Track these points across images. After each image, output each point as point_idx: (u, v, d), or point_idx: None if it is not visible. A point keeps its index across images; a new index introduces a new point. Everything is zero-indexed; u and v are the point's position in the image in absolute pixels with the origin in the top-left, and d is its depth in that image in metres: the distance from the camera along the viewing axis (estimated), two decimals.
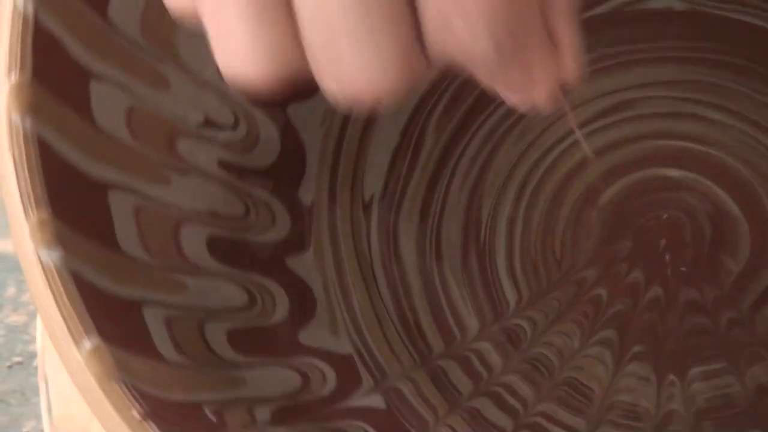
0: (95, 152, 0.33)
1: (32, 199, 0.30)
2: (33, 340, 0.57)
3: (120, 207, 0.34)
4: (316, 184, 0.46)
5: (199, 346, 0.36)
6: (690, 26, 0.48)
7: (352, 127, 0.47)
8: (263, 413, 0.36)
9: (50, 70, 0.32)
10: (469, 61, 0.24)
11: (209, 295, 0.38)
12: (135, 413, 0.29)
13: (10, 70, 0.31)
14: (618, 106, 0.48)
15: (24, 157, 0.30)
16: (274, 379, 0.38)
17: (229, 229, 0.40)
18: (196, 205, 0.39)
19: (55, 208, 0.31)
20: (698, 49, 0.48)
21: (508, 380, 0.45)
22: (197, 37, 0.39)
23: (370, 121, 0.47)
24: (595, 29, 0.48)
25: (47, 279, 0.30)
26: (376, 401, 0.42)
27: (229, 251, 0.40)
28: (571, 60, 0.26)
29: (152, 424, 0.29)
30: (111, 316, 0.31)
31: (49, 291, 0.29)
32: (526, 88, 0.25)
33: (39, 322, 0.47)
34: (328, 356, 0.42)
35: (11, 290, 0.58)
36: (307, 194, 0.45)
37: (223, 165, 0.41)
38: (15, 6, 0.31)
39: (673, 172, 0.47)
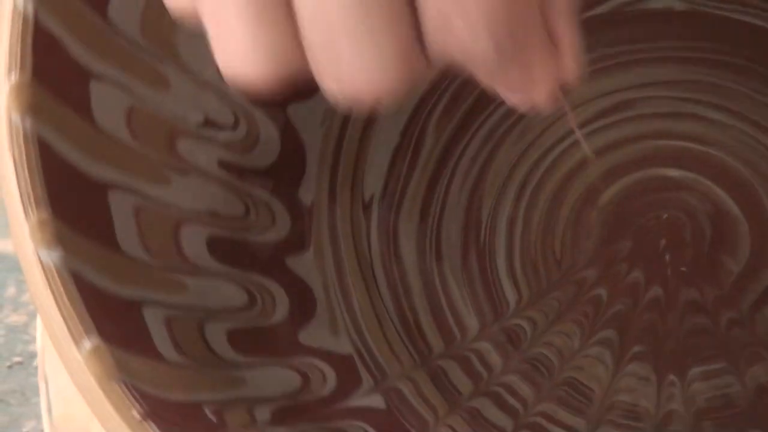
0: (95, 152, 0.33)
1: (32, 199, 0.30)
2: (33, 340, 0.57)
3: (120, 207, 0.34)
4: (316, 184, 0.46)
5: (199, 346, 0.36)
6: (690, 26, 0.48)
7: (352, 127, 0.47)
8: (263, 413, 0.36)
9: (50, 70, 0.32)
10: (469, 61, 0.24)
11: (209, 295, 0.38)
12: (135, 413, 0.29)
13: (10, 70, 0.31)
14: (618, 106, 0.48)
15: (24, 157, 0.30)
16: (274, 379, 0.38)
17: (229, 229, 0.40)
18: (196, 205, 0.39)
19: (55, 208, 0.31)
20: (698, 49, 0.48)
21: (508, 380, 0.45)
22: (197, 37, 0.39)
23: (370, 121, 0.47)
24: (595, 29, 0.48)
25: (47, 279, 0.30)
26: (376, 401, 0.42)
27: (229, 251, 0.40)
28: (571, 60, 0.26)
29: (152, 424, 0.29)
30: (111, 316, 0.31)
31: (49, 291, 0.29)
32: (526, 88, 0.25)
33: (39, 322, 0.47)
34: (328, 356, 0.42)
35: (11, 290, 0.58)
36: (307, 194, 0.45)
37: (223, 165, 0.41)
38: (15, 6, 0.31)
39: (673, 172, 0.47)
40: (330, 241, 0.45)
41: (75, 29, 0.33)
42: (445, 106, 0.48)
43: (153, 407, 0.30)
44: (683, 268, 0.47)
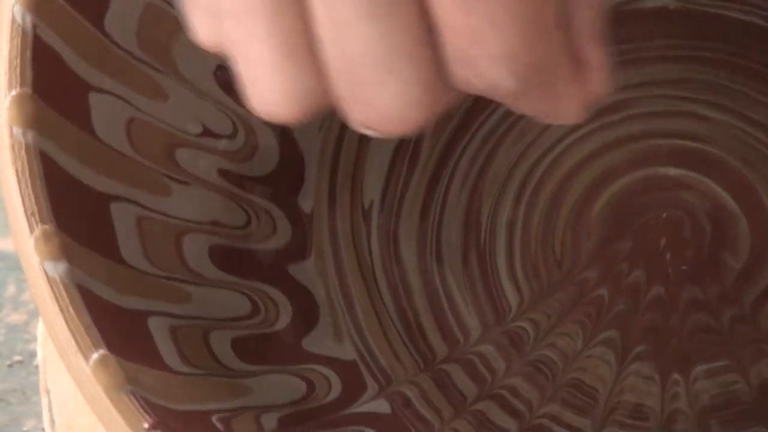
0: (96, 164, 0.34)
1: (36, 212, 0.30)
2: (33, 339, 0.57)
3: (122, 218, 0.34)
4: (316, 190, 0.46)
5: (205, 356, 0.36)
6: (684, 25, 0.48)
7: (351, 131, 0.47)
8: (270, 421, 0.36)
9: (50, 84, 0.32)
10: (493, 93, 0.24)
11: (213, 304, 0.38)
12: (144, 424, 0.29)
13: (10, 84, 0.31)
14: (615, 106, 0.48)
15: (27, 170, 0.30)
16: (279, 386, 0.38)
17: (230, 237, 0.40)
18: (197, 215, 0.39)
19: (59, 221, 0.31)
20: (693, 48, 0.48)
21: (512, 383, 0.45)
22: (194, 47, 0.39)
23: None
24: None
25: (53, 292, 0.30)
26: (382, 406, 0.42)
27: (232, 260, 0.40)
28: (599, 76, 0.26)
29: None
30: (117, 328, 0.31)
31: (55, 304, 0.30)
32: (554, 109, 0.25)
33: (40, 322, 0.47)
34: (332, 363, 0.42)
35: (11, 289, 0.58)
36: (307, 201, 0.45)
37: (223, 174, 0.41)
38: (14, 20, 0.31)
39: (672, 171, 0.47)
40: (331, 247, 0.45)
41: (73, 42, 0.33)
42: None
43: (161, 417, 0.30)
44: (684, 267, 0.47)
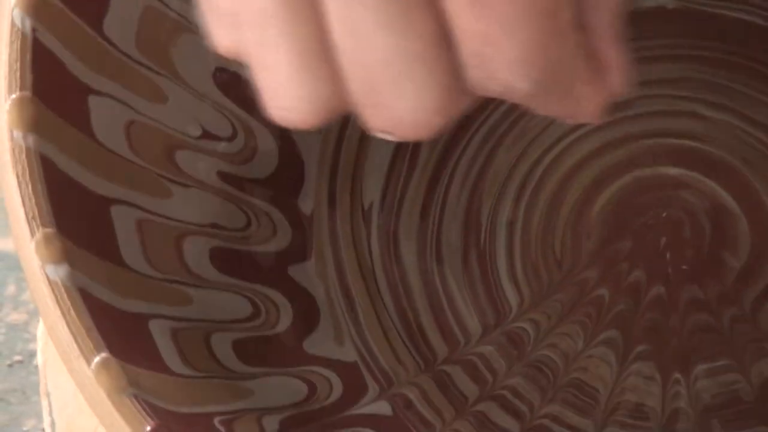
0: (96, 167, 0.34)
1: (37, 216, 0.30)
2: (33, 338, 0.57)
3: (123, 221, 0.34)
4: (316, 191, 0.46)
5: (206, 358, 0.36)
6: (683, 24, 0.48)
7: (350, 132, 0.47)
8: (272, 423, 0.36)
9: (50, 87, 0.32)
10: (510, 96, 0.24)
11: (214, 306, 0.38)
12: (146, 427, 0.29)
13: (10, 88, 0.31)
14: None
15: (27, 173, 0.30)
16: (281, 388, 0.38)
17: (231, 240, 0.40)
18: (197, 217, 0.39)
19: (60, 224, 0.31)
20: (691, 47, 0.48)
21: (513, 383, 0.45)
22: (193, 50, 0.39)
23: None
24: None
25: (55, 295, 0.30)
26: (383, 408, 0.42)
27: (232, 262, 0.40)
28: (617, 75, 0.26)
29: None
30: (118, 331, 0.31)
31: (57, 307, 0.30)
32: (572, 110, 0.25)
33: (40, 323, 0.47)
34: (333, 364, 0.42)
35: (11, 289, 0.58)
36: (306, 203, 0.45)
37: (223, 176, 0.41)
38: (14, 24, 0.31)
39: (671, 171, 0.47)
40: (331, 248, 0.45)
41: (72, 45, 0.33)
42: None
43: (163, 420, 0.30)
44: (684, 266, 0.47)
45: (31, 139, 0.31)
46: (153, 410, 0.30)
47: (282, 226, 0.43)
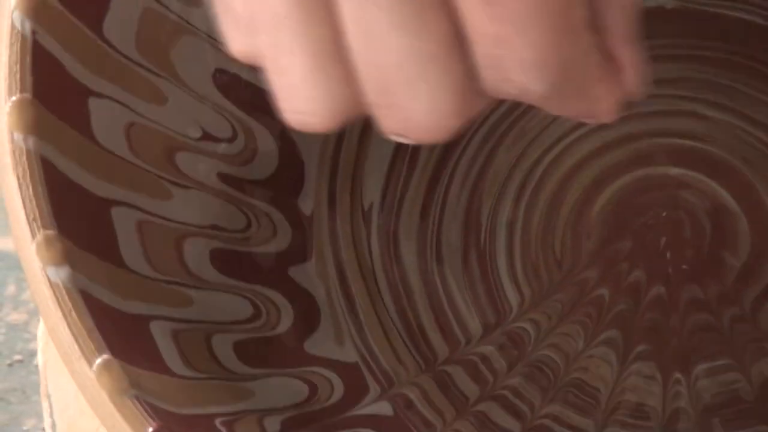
0: (97, 169, 0.34)
1: (37, 218, 0.30)
2: (33, 338, 0.57)
3: (123, 223, 0.34)
4: (316, 192, 0.46)
5: (207, 359, 0.36)
6: (683, 24, 0.48)
7: (350, 132, 0.47)
8: (273, 424, 0.36)
9: (50, 89, 0.32)
10: (524, 98, 0.24)
11: (214, 307, 0.38)
12: (148, 428, 0.29)
13: (10, 90, 0.31)
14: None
15: (28, 175, 0.30)
16: (282, 389, 0.38)
17: (231, 241, 0.40)
18: (197, 219, 0.39)
19: (61, 226, 0.31)
20: (691, 47, 0.48)
21: (513, 383, 0.45)
22: (193, 52, 0.39)
23: (367, 125, 0.47)
24: None
25: (56, 297, 0.30)
26: (384, 408, 0.42)
27: (232, 263, 0.40)
28: (633, 75, 0.26)
29: None
30: (120, 332, 0.31)
31: (58, 308, 0.30)
32: (587, 111, 0.25)
33: (41, 323, 0.47)
34: (334, 365, 0.42)
35: (11, 288, 0.59)
36: (307, 203, 0.45)
37: (223, 178, 0.41)
38: (13, 26, 0.31)
39: (671, 170, 0.47)
40: (331, 249, 0.45)
41: (72, 48, 0.33)
42: None
43: (165, 421, 0.30)
44: (684, 266, 0.47)
45: (31, 141, 0.31)
46: (154, 411, 0.30)
47: (282, 227, 0.43)
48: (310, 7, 0.22)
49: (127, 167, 0.35)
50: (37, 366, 0.50)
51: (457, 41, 0.23)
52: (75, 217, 0.32)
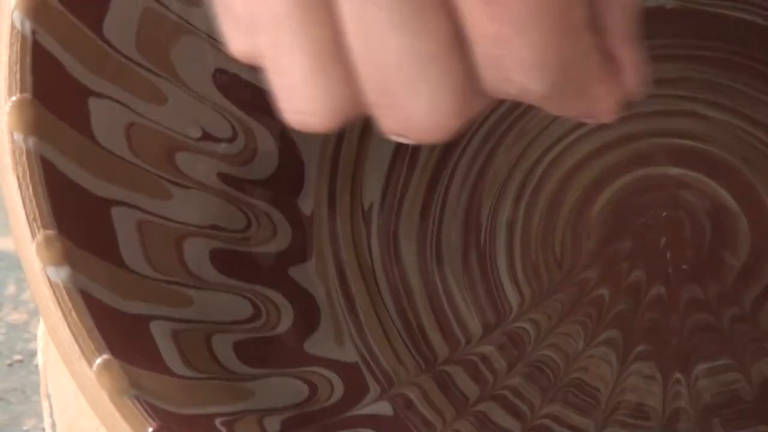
0: (97, 169, 0.34)
1: (37, 217, 0.30)
2: (33, 338, 0.57)
3: (123, 223, 0.34)
4: (316, 192, 0.46)
5: (207, 359, 0.36)
6: (683, 24, 0.48)
7: (350, 132, 0.47)
8: (273, 424, 0.36)
9: (50, 89, 0.32)
10: (525, 98, 0.24)
11: (214, 307, 0.38)
12: (149, 428, 0.29)
13: (10, 90, 0.31)
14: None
15: (28, 176, 0.30)
16: (282, 389, 0.38)
17: (231, 241, 0.40)
18: (197, 219, 0.39)
19: (61, 226, 0.31)
20: (691, 47, 0.48)
21: (513, 383, 0.45)
22: (193, 52, 0.39)
23: (367, 125, 0.47)
24: None
25: (56, 297, 0.30)
26: (384, 408, 0.42)
27: (232, 263, 0.40)
28: (632, 75, 0.26)
29: None
30: (120, 332, 0.31)
31: (58, 308, 0.30)
32: (587, 111, 0.25)
33: (41, 322, 0.47)
34: (334, 365, 0.42)
35: (11, 288, 0.59)
36: (307, 203, 0.45)
37: (223, 178, 0.41)
38: (13, 26, 0.31)
39: (671, 170, 0.47)
40: (331, 249, 0.45)
41: (72, 48, 0.33)
42: None
43: (165, 421, 0.30)
44: (684, 266, 0.47)
45: (31, 141, 0.31)
46: (155, 411, 0.30)
47: (282, 227, 0.43)
48: (310, 7, 0.23)
49: (127, 167, 0.35)
50: (37, 366, 0.50)
51: (456, 41, 0.23)
52: (75, 217, 0.32)
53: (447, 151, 0.48)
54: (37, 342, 0.48)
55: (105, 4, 0.35)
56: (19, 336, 0.58)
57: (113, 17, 0.35)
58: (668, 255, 0.47)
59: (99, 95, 0.34)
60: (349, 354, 0.43)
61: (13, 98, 0.31)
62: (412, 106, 0.23)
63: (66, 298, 0.30)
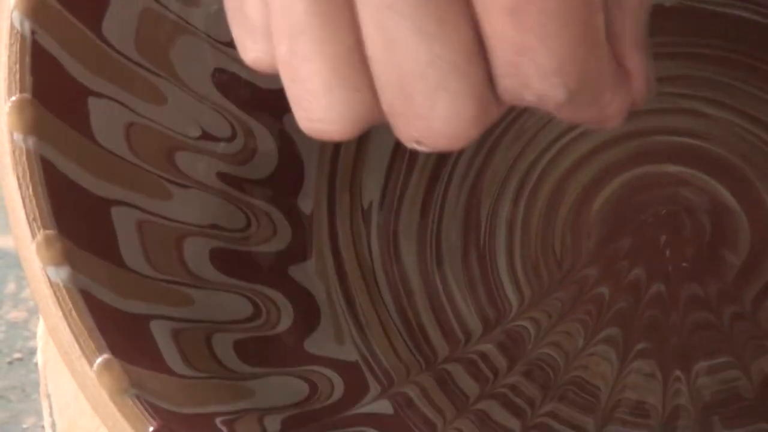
0: (96, 169, 0.34)
1: (38, 217, 0.30)
2: (33, 336, 0.57)
3: (123, 222, 0.34)
4: (315, 191, 0.46)
5: (207, 358, 0.36)
6: (682, 22, 0.48)
7: None
8: (273, 423, 0.36)
9: (49, 89, 0.32)
10: (542, 104, 0.24)
11: (214, 306, 0.38)
12: (149, 428, 0.29)
13: (10, 90, 0.31)
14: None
15: (28, 176, 0.30)
16: (282, 388, 0.38)
17: (231, 240, 0.40)
18: (197, 218, 0.39)
19: (61, 226, 0.31)
20: (690, 45, 0.48)
21: (514, 381, 0.45)
22: (192, 51, 0.39)
23: None
24: None
25: (56, 296, 0.30)
26: (384, 407, 0.42)
27: (232, 263, 0.40)
28: (641, 83, 0.26)
29: None
30: (120, 332, 0.31)
31: (58, 308, 0.30)
32: (598, 118, 0.25)
33: (40, 321, 0.47)
34: (334, 364, 0.42)
35: (11, 286, 0.59)
36: (306, 202, 0.45)
37: (223, 177, 0.41)
38: (12, 26, 0.31)
39: (671, 168, 0.47)
40: (331, 248, 0.46)
41: (71, 48, 0.33)
42: None
43: (165, 421, 0.30)
44: (684, 264, 0.47)
45: (31, 141, 0.31)
46: (155, 411, 0.30)
47: (282, 226, 0.43)
48: (329, 14, 0.22)
49: (127, 167, 0.35)
50: (36, 364, 0.50)
51: (478, 49, 0.22)
52: (75, 216, 0.32)
53: None
54: (36, 340, 0.48)
55: (104, 4, 0.35)
56: (19, 334, 0.58)
57: (112, 17, 0.35)
58: (668, 253, 0.47)
59: (98, 95, 0.34)
60: (349, 353, 0.43)
61: (13, 98, 0.31)
62: (432, 114, 0.23)
63: (66, 297, 0.30)
